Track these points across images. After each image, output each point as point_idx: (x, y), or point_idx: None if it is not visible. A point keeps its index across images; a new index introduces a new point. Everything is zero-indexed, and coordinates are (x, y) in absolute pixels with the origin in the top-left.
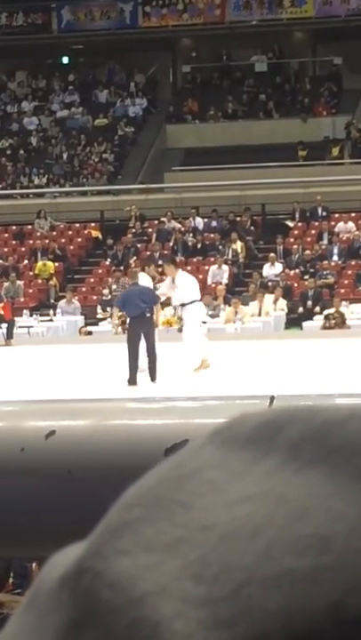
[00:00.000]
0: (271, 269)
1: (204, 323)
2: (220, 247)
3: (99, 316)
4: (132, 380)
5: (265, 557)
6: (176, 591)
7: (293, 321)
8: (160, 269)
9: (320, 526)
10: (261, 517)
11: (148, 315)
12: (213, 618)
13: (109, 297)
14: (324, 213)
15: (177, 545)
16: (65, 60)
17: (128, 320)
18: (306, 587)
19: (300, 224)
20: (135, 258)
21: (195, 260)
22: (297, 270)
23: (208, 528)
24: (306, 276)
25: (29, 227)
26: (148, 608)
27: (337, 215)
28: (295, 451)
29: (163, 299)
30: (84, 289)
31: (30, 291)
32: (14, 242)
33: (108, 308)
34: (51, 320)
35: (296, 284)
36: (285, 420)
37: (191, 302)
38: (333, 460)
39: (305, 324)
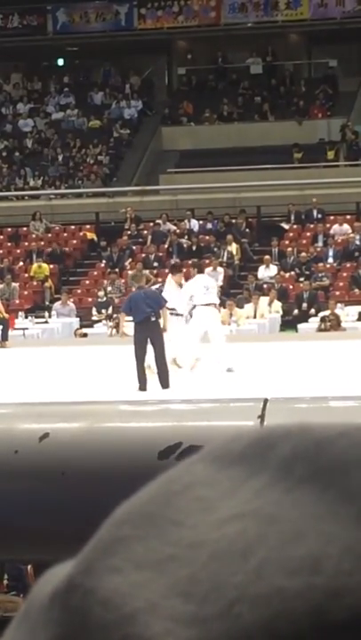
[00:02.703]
0: (266, 271)
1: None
2: (216, 249)
3: (94, 317)
4: (143, 387)
5: (256, 576)
6: (166, 609)
7: (289, 323)
8: (155, 272)
9: (312, 548)
10: (252, 536)
11: (154, 319)
12: (203, 636)
13: (104, 299)
14: (320, 215)
15: (167, 563)
16: (60, 61)
17: (133, 325)
18: (296, 606)
19: (295, 226)
20: (130, 260)
21: (190, 262)
22: (292, 272)
23: (198, 546)
24: (301, 279)
25: (24, 228)
26: (139, 626)
27: (332, 217)
28: (286, 469)
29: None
30: (79, 291)
31: (25, 292)
32: (9, 244)
33: (103, 310)
34: (46, 322)
35: (291, 287)
36: (278, 438)
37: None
38: (324, 480)
39: (300, 326)
